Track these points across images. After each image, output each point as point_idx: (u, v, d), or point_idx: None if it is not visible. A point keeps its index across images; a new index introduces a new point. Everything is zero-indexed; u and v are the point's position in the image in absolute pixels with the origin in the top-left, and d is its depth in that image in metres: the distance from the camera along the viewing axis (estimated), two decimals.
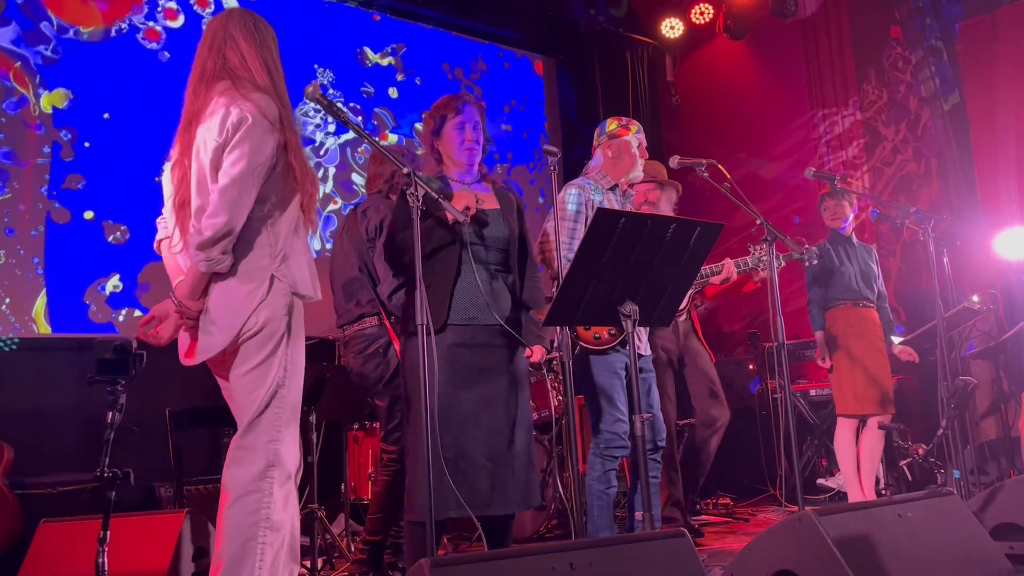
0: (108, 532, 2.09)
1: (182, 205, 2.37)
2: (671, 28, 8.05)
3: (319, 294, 2.47)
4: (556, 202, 3.33)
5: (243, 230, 2.29)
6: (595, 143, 3.76)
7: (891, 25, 6.86)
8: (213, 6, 6.14)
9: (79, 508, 4.38)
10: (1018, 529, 3.05)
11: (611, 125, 3.72)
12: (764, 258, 3.89)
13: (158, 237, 2.55)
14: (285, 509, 2.27)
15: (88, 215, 5.44)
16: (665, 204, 4.42)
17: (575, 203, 3.57)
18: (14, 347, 4.92)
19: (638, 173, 3.69)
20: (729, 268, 4.04)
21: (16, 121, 5.28)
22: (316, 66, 6.60)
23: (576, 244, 3.45)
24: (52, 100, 5.42)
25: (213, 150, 2.28)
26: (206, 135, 2.30)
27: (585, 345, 3.49)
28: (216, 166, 2.28)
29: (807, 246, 3.99)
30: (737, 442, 6.37)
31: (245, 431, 2.28)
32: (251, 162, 2.24)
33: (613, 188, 3.67)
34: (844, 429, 4.73)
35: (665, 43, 8.22)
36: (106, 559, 2.09)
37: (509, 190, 3.27)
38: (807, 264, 3.84)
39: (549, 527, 4.97)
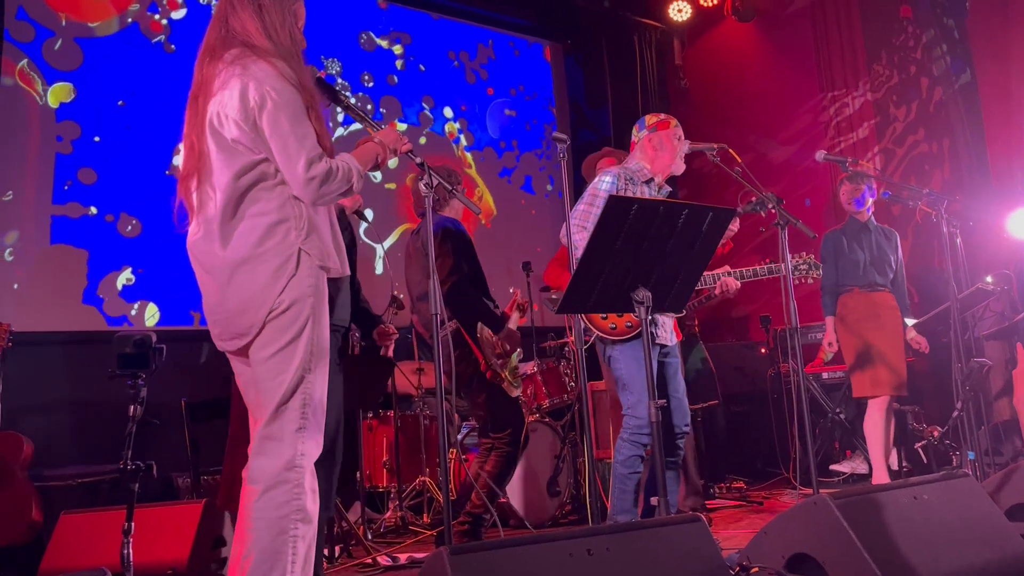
0: (132, 524, 2.10)
1: (189, 176, 2.26)
2: (679, 11, 8.01)
3: (347, 268, 2.35)
4: (566, 190, 3.32)
5: (267, 201, 2.20)
6: (634, 138, 3.73)
7: (901, 4, 6.80)
8: None
9: (97, 500, 4.42)
10: None
11: (650, 120, 3.69)
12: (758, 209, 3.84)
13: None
14: (313, 499, 2.16)
15: (100, 209, 5.47)
16: None
17: (608, 187, 3.51)
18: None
19: (680, 165, 3.68)
20: (723, 283, 3.91)
21: (24, 117, 5.30)
22: (323, 57, 6.60)
23: None
24: (59, 96, 5.43)
25: (240, 130, 2.17)
26: (224, 110, 2.18)
27: (603, 335, 3.51)
28: (245, 144, 2.18)
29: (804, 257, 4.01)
30: (750, 426, 6.38)
31: (271, 419, 2.15)
32: (294, 130, 2.16)
33: (649, 181, 3.64)
34: (874, 411, 4.74)
35: (673, 26, 8.18)
36: (131, 550, 2.10)
37: None
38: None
39: (564, 513, 5.00)
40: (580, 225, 3.47)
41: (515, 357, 4.04)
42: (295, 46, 2.33)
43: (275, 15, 2.30)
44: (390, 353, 3.96)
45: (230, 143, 2.20)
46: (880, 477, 4.73)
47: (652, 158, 3.64)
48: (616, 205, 2.57)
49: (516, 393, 3.97)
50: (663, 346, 3.58)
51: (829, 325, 4.90)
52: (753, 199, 3.63)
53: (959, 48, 6.47)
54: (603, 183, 3.54)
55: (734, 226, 3.81)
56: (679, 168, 3.67)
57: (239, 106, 2.17)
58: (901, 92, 6.82)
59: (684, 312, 4.38)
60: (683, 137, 3.68)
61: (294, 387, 2.15)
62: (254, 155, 2.20)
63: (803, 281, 4.08)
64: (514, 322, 4.11)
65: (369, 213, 6.68)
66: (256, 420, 2.23)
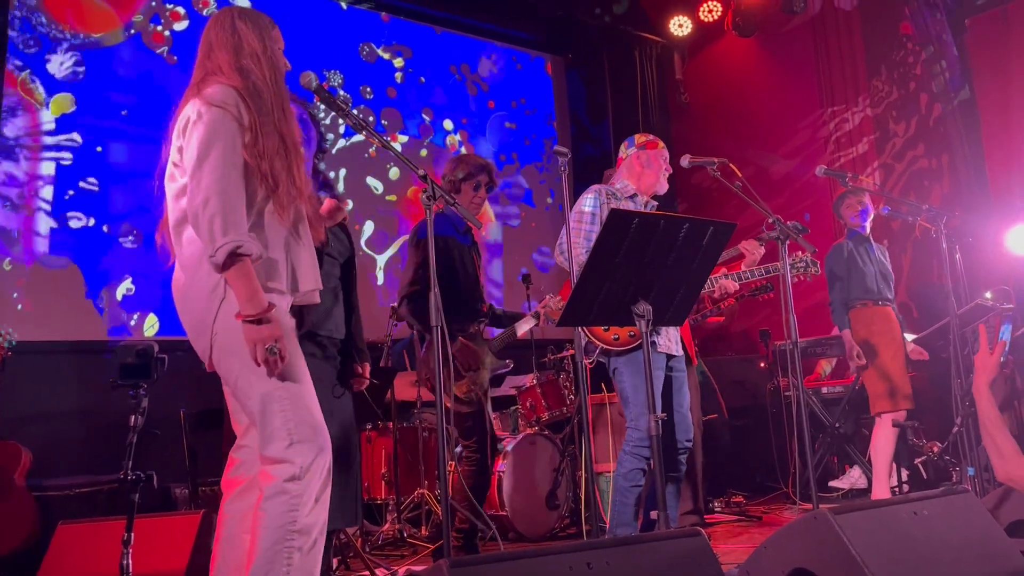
0: (132, 534, 2.09)
1: (164, 222, 2.38)
2: (680, 26, 8.05)
3: (305, 287, 2.36)
4: (567, 203, 3.34)
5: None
6: (622, 155, 3.79)
7: (901, 21, 6.84)
8: (214, 5, 6.16)
9: (94, 510, 4.40)
10: None
11: (640, 139, 3.79)
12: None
13: None
14: (315, 510, 2.20)
15: (100, 220, 5.47)
16: None
17: (591, 206, 3.59)
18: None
19: (664, 184, 3.73)
20: (721, 286, 3.90)
21: (27, 127, 5.32)
22: (325, 71, 6.63)
23: (590, 247, 3.48)
24: (61, 106, 5.45)
25: (173, 154, 2.29)
26: (173, 139, 2.31)
27: (606, 347, 3.51)
28: (177, 165, 2.27)
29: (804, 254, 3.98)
30: (750, 440, 6.37)
31: (264, 442, 2.19)
32: (199, 153, 2.17)
33: (633, 197, 3.69)
34: (886, 425, 4.72)
35: (674, 41, 8.22)
36: (130, 561, 2.09)
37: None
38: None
39: (562, 526, 4.99)
40: (574, 241, 3.51)
41: (486, 368, 3.93)
42: (276, 73, 2.38)
43: (255, 43, 2.37)
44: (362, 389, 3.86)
45: (173, 168, 2.30)
46: (882, 492, 4.72)
47: (639, 175, 3.71)
48: (618, 219, 2.58)
49: (465, 410, 3.80)
50: (670, 356, 3.58)
51: (848, 339, 4.83)
52: (774, 231, 3.63)
53: (958, 65, 6.51)
54: (585, 202, 3.62)
55: (757, 253, 3.84)
56: (663, 187, 3.76)
57: (176, 132, 2.29)
58: (901, 108, 6.85)
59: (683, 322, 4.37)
60: (668, 159, 3.77)
61: (265, 406, 2.19)
62: (185, 178, 2.25)
63: (802, 278, 4.05)
64: (523, 325, 4.06)
65: (370, 225, 6.70)
66: (237, 428, 2.34)
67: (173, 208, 2.31)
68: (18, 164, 5.26)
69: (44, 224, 5.29)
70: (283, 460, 2.18)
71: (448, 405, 3.78)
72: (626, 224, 2.58)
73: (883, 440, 4.75)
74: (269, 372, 2.15)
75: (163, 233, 2.39)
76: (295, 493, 2.16)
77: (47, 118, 5.39)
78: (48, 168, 5.35)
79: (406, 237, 6.81)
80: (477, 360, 3.82)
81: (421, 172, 2.56)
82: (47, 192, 5.32)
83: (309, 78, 2.49)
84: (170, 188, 2.32)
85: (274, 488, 2.16)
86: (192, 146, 2.19)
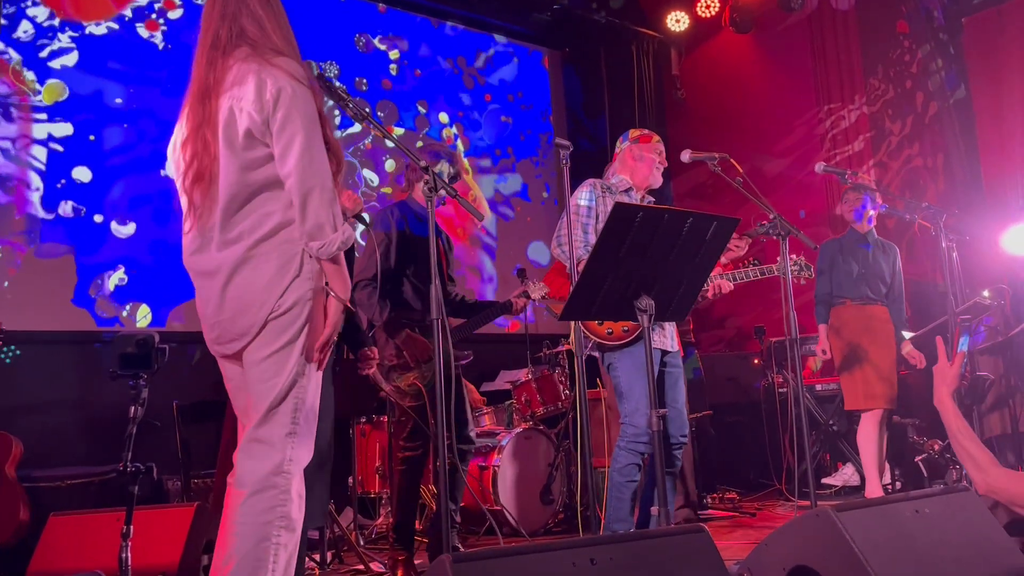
0: (132, 527, 2.06)
1: (197, 179, 2.15)
2: (677, 21, 8.03)
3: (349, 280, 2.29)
4: (567, 196, 3.33)
5: (274, 201, 2.13)
6: (617, 149, 3.80)
7: (898, 19, 6.84)
8: None
9: (87, 501, 4.37)
10: None
11: (634, 133, 3.81)
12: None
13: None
14: (302, 508, 2.12)
15: (93, 209, 5.42)
16: None
17: (587, 200, 3.59)
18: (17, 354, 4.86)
19: (658, 178, 3.72)
20: (716, 286, 3.81)
21: (18, 114, 5.26)
22: (320, 62, 6.58)
23: (588, 239, 3.48)
24: (54, 94, 5.39)
25: (252, 121, 2.10)
26: (239, 104, 2.11)
27: (601, 341, 3.49)
28: (256, 137, 2.11)
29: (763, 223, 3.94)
30: (743, 437, 6.38)
31: (261, 422, 2.09)
32: (307, 131, 2.09)
33: (628, 191, 3.69)
34: (868, 423, 4.74)
35: (671, 37, 8.20)
36: (129, 553, 2.06)
37: None
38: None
39: (557, 521, 4.98)
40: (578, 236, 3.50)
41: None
42: (296, 47, 2.29)
43: (283, 15, 2.27)
44: (370, 372, 3.79)
45: (241, 138, 2.12)
46: (873, 490, 4.74)
47: (632, 168, 3.72)
48: (622, 213, 2.57)
49: (409, 403, 3.69)
50: (665, 352, 3.57)
51: (822, 333, 4.93)
52: (766, 222, 3.62)
53: (954, 64, 6.51)
54: (581, 197, 3.62)
55: (742, 245, 3.84)
56: (656, 181, 3.76)
57: (255, 99, 2.10)
58: (896, 106, 6.85)
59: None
60: (663, 154, 3.75)
61: (287, 390, 2.10)
62: (266, 149, 2.12)
63: (795, 281, 4.06)
64: (491, 315, 4.00)
65: (365, 217, 6.66)
66: (245, 424, 2.18)
67: (234, 180, 2.13)
68: (9, 152, 5.20)
69: (36, 213, 5.23)
70: (272, 444, 2.09)
71: (387, 391, 3.75)
72: (630, 218, 2.56)
73: (863, 437, 4.79)
74: (320, 361, 2.16)
75: (197, 190, 2.18)
76: (282, 488, 2.07)
77: (40, 105, 5.33)
78: (40, 156, 5.29)
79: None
80: (426, 352, 3.70)
81: (423, 164, 2.54)
82: (39, 181, 5.26)
83: (309, 67, 2.46)
84: (239, 157, 2.13)
85: (260, 483, 2.06)
86: (295, 125, 2.08)
